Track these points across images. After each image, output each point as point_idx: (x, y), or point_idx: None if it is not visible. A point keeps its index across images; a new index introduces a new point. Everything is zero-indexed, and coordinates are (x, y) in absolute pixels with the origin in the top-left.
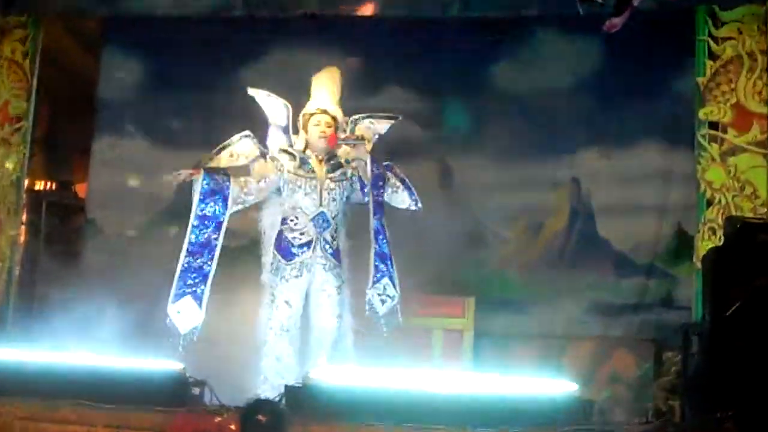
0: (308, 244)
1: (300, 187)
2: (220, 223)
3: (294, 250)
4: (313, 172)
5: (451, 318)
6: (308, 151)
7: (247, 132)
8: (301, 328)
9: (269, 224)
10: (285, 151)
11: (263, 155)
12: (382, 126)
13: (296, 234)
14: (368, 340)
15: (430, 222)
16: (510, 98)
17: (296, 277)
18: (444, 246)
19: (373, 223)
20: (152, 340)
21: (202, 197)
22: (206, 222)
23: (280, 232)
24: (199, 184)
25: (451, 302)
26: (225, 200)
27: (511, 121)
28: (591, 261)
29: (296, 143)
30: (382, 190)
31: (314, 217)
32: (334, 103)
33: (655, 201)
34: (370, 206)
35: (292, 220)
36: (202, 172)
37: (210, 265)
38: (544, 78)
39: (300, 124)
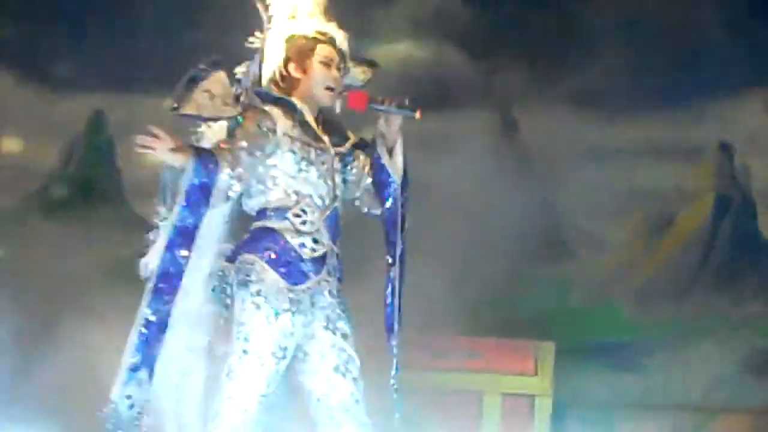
0: (322, 259)
1: (312, 163)
2: (193, 238)
3: (305, 268)
4: (322, 141)
5: (515, 375)
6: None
7: (218, 58)
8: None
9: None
10: (278, 100)
11: (242, 104)
12: (354, 77)
13: (307, 239)
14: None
15: (479, 214)
16: (613, 13)
17: (293, 313)
18: (502, 255)
19: (399, 245)
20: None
21: (186, 202)
22: (182, 238)
23: (273, 235)
24: (187, 178)
25: (516, 349)
26: (207, 201)
27: (616, 51)
28: (751, 279)
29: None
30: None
31: (329, 216)
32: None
33: None
34: (392, 218)
35: (298, 215)
36: (191, 157)
37: (171, 304)
38: None
39: (283, 52)
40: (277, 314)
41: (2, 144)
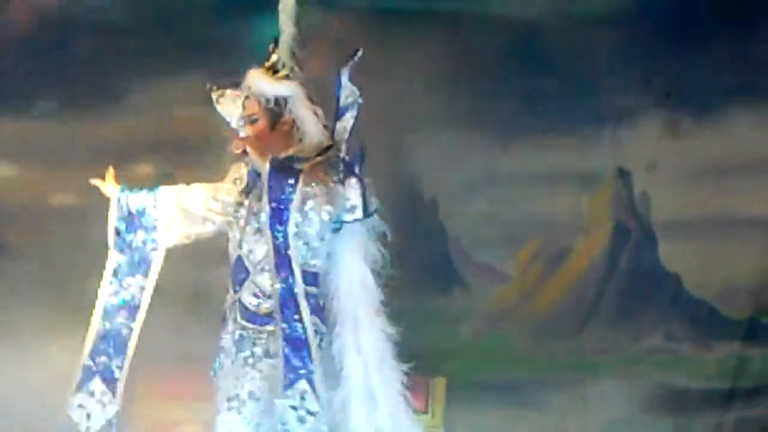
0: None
1: None
2: (149, 263)
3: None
4: None
5: None
6: None
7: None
8: None
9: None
10: None
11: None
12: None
13: None
14: None
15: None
16: (504, 36)
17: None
18: (387, 287)
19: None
20: None
21: (119, 229)
22: (133, 256)
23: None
24: (114, 207)
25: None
26: (152, 228)
27: (507, 74)
28: (651, 312)
29: None
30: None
31: None
32: None
33: (762, 209)
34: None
35: None
36: (116, 190)
37: (131, 327)
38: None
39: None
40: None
41: None
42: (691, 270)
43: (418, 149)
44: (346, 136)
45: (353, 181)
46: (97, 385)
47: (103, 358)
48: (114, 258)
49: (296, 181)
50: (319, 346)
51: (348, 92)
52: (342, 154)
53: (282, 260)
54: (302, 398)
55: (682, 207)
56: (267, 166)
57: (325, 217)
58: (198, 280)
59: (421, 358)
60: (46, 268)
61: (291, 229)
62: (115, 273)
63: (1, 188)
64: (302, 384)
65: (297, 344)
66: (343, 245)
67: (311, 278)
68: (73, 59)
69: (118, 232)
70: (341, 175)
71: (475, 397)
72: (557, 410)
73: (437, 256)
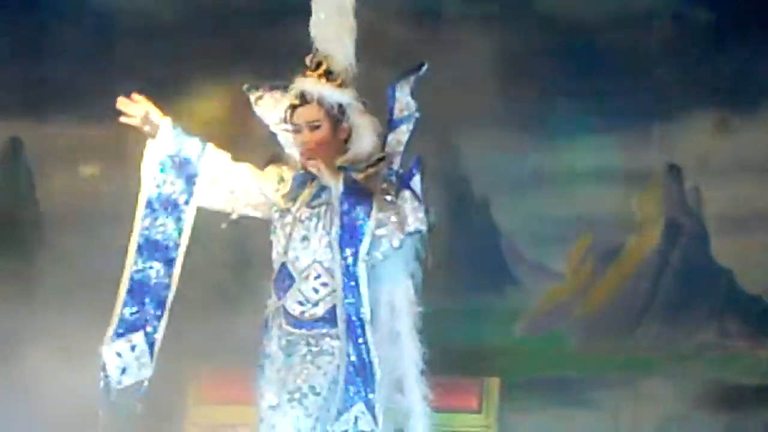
0: None
1: None
2: (180, 215)
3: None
4: None
5: (457, 413)
6: None
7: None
8: None
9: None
10: None
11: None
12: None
13: None
14: None
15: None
16: (553, 35)
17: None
18: (441, 286)
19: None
20: None
21: (161, 166)
22: (165, 208)
23: None
24: (166, 138)
25: (459, 387)
26: (191, 180)
27: (557, 73)
28: (702, 308)
29: None
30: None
31: None
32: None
33: None
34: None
35: None
36: (165, 122)
37: (169, 287)
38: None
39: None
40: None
41: None
42: (744, 265)
43: (468, 149)
44: (401, 149)
45: (407, 194)
46: (139, 339)
47: (142, 314)
48: (148, 191)
49: (371, 207)
50: None
51: (402, 105)
52: (396, 167)
53: (350, 285)
54: (355, 421)
55: (733, 202)
56: (340, 186)
57: (396, 244)
58: (245, 281)
59: (474, 357)
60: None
61: (361, 253)
62: (149, 205)
63: (58, 192)
64: (358, 407)
65: (361, 369)
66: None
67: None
68: (123, 61)
69: (161, 167)
70: (395, 189)
71: (527, 396)
72: (610, 408)
73: (489, 255)
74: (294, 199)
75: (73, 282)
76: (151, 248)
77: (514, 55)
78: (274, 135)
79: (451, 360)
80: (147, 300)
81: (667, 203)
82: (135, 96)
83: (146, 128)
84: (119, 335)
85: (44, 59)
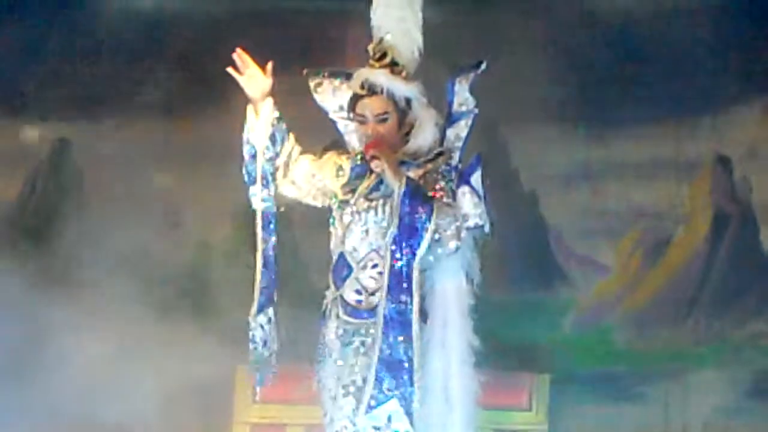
0: None
1: None
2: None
3: None
4: None
5: (507, 411)
6: None
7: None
8: None
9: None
10: None
11: None
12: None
13: None
14: None
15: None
16: (600, 25)
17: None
18: (489, 281)
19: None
20: None
21: (272, 139)
22: (267, 181)
23: None
24: (269, 112)
25: (509, 383)
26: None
27: (604, 63)
28: (753, 297)
29: None
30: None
31: None
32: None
33: None
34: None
35: None
36: (269, 100)
37: (275, 252)
38: None
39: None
40: None
41: None
42: None
43: (516, 143)
44: (459, 144)
45: (467, 189)
46: (271, 313)
47: (271, 288)
48: (262, 162)
49: (431, 211)
50: None
51: (462, 100)
52: (455, 163)
53: (398, 283)
54: (389, 419)
55: None
56: (402, 187)
57: (452, 248)
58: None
59: (523, 352)
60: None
61: (419, 255)
62: (264, 176)
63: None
64: (391, 404)
65: (394, 366)
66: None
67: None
68: (172, 59)
69: (272, 138)
70: (453, 184)
71: (577, 391)
72: (660, 401)
73: (538, 250)
74: (353, 190)
75: (113, 276)
76: (266, 221)
77: (561, 48)
78: (333, 122)
79: (499, 355)
80: (270, 272)
81: (716, 194)
82: (240, 52)
83: (252, 92)
84: (260, 309)
85: (97, 59)
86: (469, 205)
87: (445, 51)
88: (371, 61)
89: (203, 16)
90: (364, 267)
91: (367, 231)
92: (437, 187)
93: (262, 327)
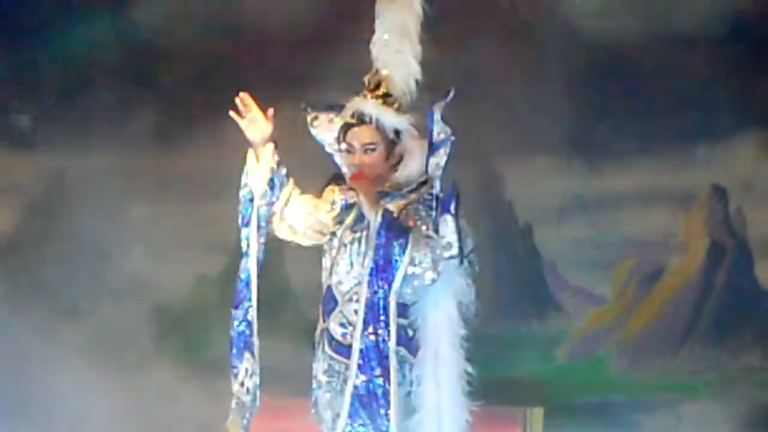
0: None
1: None
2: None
3: None
4: None
5: None
6: None
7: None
8: None
9: None
10: None
11: None
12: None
13: None
14: None
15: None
16: (594, 56)
17: None
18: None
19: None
20: None
21: (271, 185)
22: (261, 225)
23: None
24: (272, 153)
25: (502, 417)
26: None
27: (598, 95)
28: (748, 330)
29: None
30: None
31: None
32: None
33: None
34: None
35: None
36: (270, 145)
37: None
38: (655, 17)
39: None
40: None
41: None
42: None
43: (510, 174)
44: (439, 173)
45: (448, 218)
46: (251, 383)
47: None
48: (257, 205)
49: (407, 242)
50: (403, 374)
51: (440, 128)
52: (435, 191)
53: (375, 315)
54: None
55: None
56: (378, 218)
57: (428, 282)
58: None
59: (516, 384)
60: None
61: (394, 287)
62: (259, 222)
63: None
64: None
65: (370, 401)
66: (437, 280)
67: (401, 309)
68: (163, 91)
69: (271, 183)
70: (435, 213)
71: (571, 422)
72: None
73: (532, 281)
74: (340, 222)
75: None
76: (260, 267)
77: (556, 78)
78: (330, 155)
79: (492, 387)
80: (243, 318)
81: (711, 225)
82: (244, 96)
83: (252, 136)
84: (236, 358)
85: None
86: (452, 233)
87: (437, 84)
88: (365, 91)
89: (198, 49)
90: (349, 300)
91: (351, 263)
92: (416, 218)
93: (242, 384)
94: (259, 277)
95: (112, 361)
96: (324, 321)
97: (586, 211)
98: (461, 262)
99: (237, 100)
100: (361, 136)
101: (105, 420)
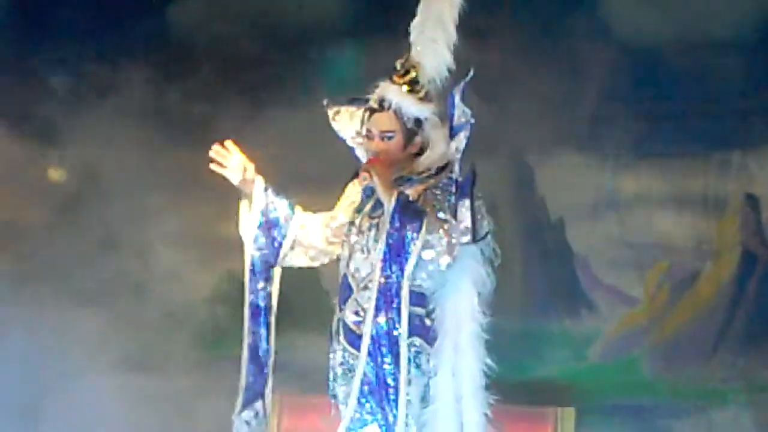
0: None
1: None
2: (270, 276)
3: None
4: None
5: None
6: None
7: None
8: None
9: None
10: None
11: None
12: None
13: None
14: None
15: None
16: (632, 58)
17: None
18: (514, 310)
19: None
20: None
21: (259, 226)
22: (261, 270)
23: None
24: (261, 197)
25: (533, 417)
26: (277, 243)
27: (635, 97)
28: None
29: None
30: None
31: None
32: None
33: None
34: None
35: None
36: (257, 179)
37: (269, 351)
38: (688, 20)
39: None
40: None
41: None
42: None
43: (544, 171)
44: (458, 156)
45: (466, 202)
46: (260, 407)
47: (260, 380)
48: (251, 254)
49: (420, 226)
50: (417, 364)
51: (460, 112)
52: (454, 175)
53: (387, 301)
54: None
55: None
56: (393, 202)
57: (443, 267)
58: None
59: (547, 384)
60: None
61: (407, 272)
62: (253, 269)
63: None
64: (372, 429)
65: (379, 389)
66: (453, 266)
67: (418, 298)
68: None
69: (260, 225)
70: (453, 198)
71: (601, 423)
72: None
73: (564, 278)
74: (359, 210)
75: None
76: (259, 313)
77: (591, 77)
78: (351, 149)
79: (524, 387)
80: (260, 366)
81: (743, 233)
82: (228, 144)
83: (237, 182)
84: (245, 405)
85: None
86: (470, 218)
87: (473, 81)
88: (394, 77)
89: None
90: (364, 288)
91: (368, 250)
92: (434, 202)
93: (248, 423)
94: (263, 324)
95: (151, 365)
96: (340, 310)
97: (620, 210)
98: (475, 242)
99: (212, 153)
100: (379, 122)
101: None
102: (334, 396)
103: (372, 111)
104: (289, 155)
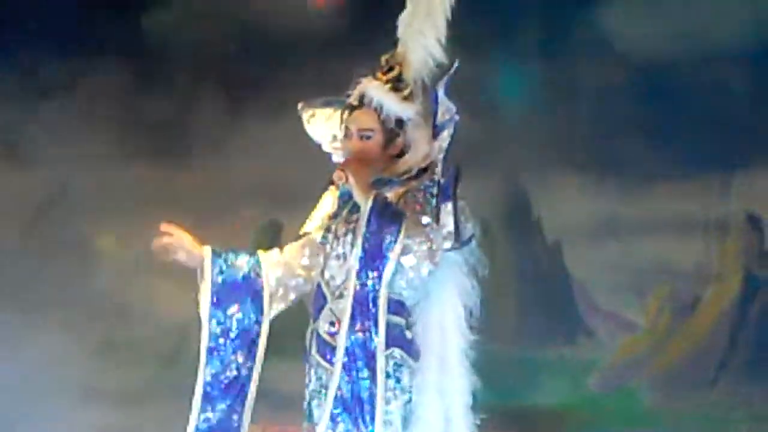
0: None
1: None
2: (254, 338)
3: None
4: None
5: None
6: None
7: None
8: None
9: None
10: None
11: None
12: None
13: None
14: None
15: (485, 289)
16: (631, 76)
17: None
18: (510, 335)
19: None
20: None
21: (215, 300)
22: (228, 340)
23: None
24: (207, 274)
25: None
26: (257, 300)
27: (634, 116)
28: None
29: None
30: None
31: None
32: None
33: None
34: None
35: None
36: (204, 250)
37: (248, 383)
38: (690, 36)
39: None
40: None
41: None
42: None
43: (539, 192)
44: (441, 156)
45: (449, 206)
46: None
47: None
48: (210, 332)
49: (399, 230)
50: (398, 378)
51: (444, 109)
52: (437, 177)
53: (363, 311)
54: None
55: None
56: (369, 203)
57: (424, 274)
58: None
59: (544, 413)
60: None
61: (385, 279)
62: (210, 352)
63: None
64: None
65: (354, 405)
66: (436, 276)
67: (396, 307)
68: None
69: (216, 303)
70: (436, 200)
71: None
72: None
73: (561, 303)
74: (336, 216)
75: None
76: (221, 391)
77: (590, 96)
78: (328, 156)
79: (521, 417)
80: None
81: (746, 256)
82: (166, 226)
83: (183, 258)
84: None
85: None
86: (451, 221)
87: (462, 92)
88: (378, 73)
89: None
90: (339, 296)
91: (344, 256)
92: (415, 205)
93: None
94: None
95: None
96: (314, 321)
97: (617, 233)
98: (458, 247)
99: (157, 247)
100: (358, 120)
101: None
102: (310, 414)
103: (352, 108)
104: (267, 164)
